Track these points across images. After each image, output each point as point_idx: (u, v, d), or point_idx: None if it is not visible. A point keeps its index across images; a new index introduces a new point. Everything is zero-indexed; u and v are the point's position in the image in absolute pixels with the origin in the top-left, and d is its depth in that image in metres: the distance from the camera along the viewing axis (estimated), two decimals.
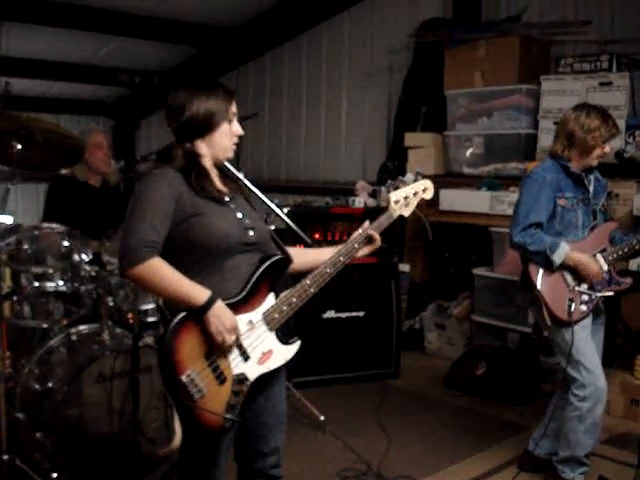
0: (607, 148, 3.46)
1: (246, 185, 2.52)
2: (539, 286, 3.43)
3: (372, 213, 5.34)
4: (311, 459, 3.92)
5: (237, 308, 2.27)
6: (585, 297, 3.43)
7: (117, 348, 3.41)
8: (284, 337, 2.41)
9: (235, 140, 2.44)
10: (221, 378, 2.24)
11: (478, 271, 5.71)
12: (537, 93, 5.48)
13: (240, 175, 2.48)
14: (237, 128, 2.44)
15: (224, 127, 2.39)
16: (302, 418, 4.42)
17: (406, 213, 2.68)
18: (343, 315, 5.18)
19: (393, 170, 6.44)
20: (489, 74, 5.73)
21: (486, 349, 5.30)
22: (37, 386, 3.41)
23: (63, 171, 4.45)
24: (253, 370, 2.31)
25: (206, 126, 2.36)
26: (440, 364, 5.59)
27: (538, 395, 4.81)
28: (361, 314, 5.24)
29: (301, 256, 2.53)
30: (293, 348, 2.42)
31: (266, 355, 2.34)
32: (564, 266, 3.41)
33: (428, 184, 2.71)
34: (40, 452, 3.27)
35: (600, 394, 3.40)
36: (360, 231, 2.56)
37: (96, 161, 4.45)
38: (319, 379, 5.08)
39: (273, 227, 4.48)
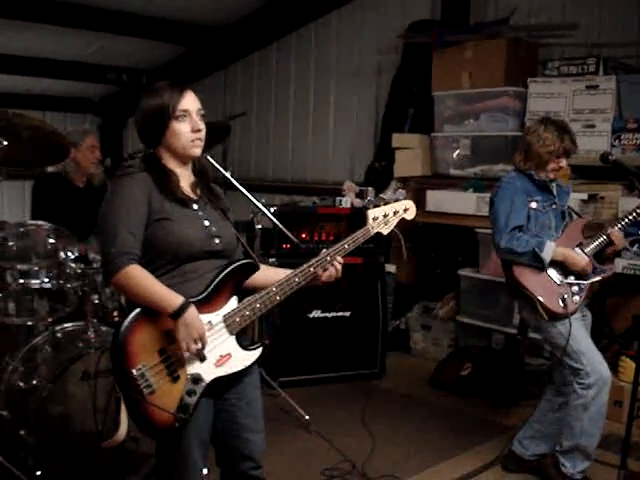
0: (563, 163, 3.56)
1: (218, 194, 2.51)
2: (528, 285, 3.46)
3: (358, 213, 5.37)
4: (296, 458, 3.92)
5: (197, 308, 2.25)
6: (575, 288, 3.49)
7: (102, 346, 3.38)
8: (247, 343, 2.39)
9: (193, 137, 2.35)
10: (174, 376, 2.24)
11: (464, 272, 5.72)
12: (524, 95, 5.50)
13: (227, 174, 2.47)
14: (193, 124, 2.35)
15: (173, 127, 2.33)
16: (287, 417, 4.43)
17: (384, 231, 2.66)
18: (329, 315, 5.19)
19: (380, 171, 6.46)
20: (476, 76, 5.74)
21: (471, 350, 5.32)
22: (21, 384, 3.40)
23: (50, 168, 4.46)
24: (209, 372, 2.29)
25: (156, 131, 2.34)
26: (425, 364, 5.61)
27: (522, 396, 4.83)
28: (347, 314, 5.25)
29: (259, 272, 2.48)
30: (254, 354, 2.40)
31: (224, 358, 2.32)
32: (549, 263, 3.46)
33: (410, 204, 2.69)
34: (24, 450, 3.26)
35: (605, 381, 3.44)
36: (335, 247, 2.52)
37: (88, 163, 4.51)
38: (304, 379, 5.08)
39: (260, 226, 4.49)
